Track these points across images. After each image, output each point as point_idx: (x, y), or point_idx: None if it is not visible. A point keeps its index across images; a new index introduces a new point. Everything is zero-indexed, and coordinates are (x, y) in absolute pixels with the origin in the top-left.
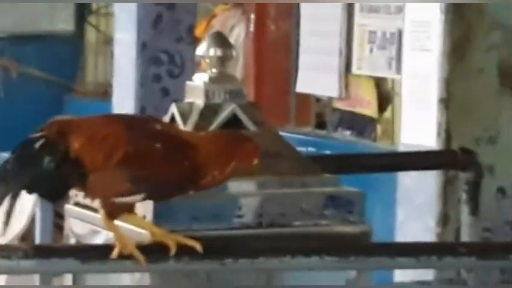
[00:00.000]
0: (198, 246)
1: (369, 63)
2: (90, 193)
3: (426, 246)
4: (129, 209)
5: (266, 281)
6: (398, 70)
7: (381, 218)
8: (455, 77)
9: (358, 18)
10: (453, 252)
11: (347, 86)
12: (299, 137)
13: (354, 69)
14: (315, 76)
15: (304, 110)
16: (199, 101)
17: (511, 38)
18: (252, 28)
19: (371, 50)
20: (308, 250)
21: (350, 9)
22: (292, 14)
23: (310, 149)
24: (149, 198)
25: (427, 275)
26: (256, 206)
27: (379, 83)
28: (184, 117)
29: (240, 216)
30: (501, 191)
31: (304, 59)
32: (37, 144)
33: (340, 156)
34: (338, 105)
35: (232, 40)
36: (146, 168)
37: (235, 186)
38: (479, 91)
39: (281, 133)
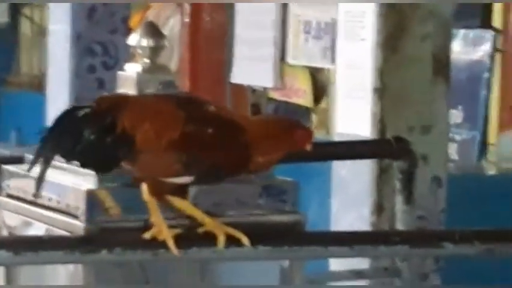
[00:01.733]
0: (244, 239)
1: (304, 53)
2: (139, 170)
3: (360, 235)
4: (178, 192)
5: (200, 270)
6: (333, 60)
7: (317, 207)
8: (389, 66)
9: (293, 9)
10: (386, 241)
11: (282, 76)
12: None
13: (290, 60)
14: (251, 67)
15: (240, 100)
16: (132, 92)
17: (445, 27)
18: (187, 19)
19: (306, 40)
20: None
21: None
22: (227, 5)
23: None
24: (199, 181)
25: (362, 264)
26: (190, 196)
27: (314, 73)
28: None
29: None
30: (436, 179)
31: (240, 50)
32: (81, 113)
33: None
34: (274, 95)
35: (167, 31)
36: (199, 150)
37: None
38: (413, 80)
39: None
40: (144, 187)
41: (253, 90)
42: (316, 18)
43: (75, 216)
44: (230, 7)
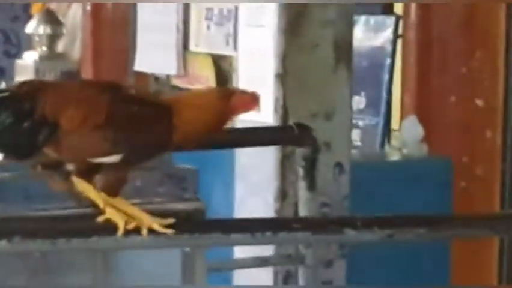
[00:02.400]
0: (144, 231)
1: (206, 40)
2: (65, 153)
3: (261, 222)
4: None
5: (102, 259)
6: (236, 47)
7: (220, 195)
8: (291, 52)
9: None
10: (287, 227)
11: (185, 63)
12: None
13: (192, 47)
14: (153, 54)
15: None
16: None
17: (346, 13)
18: (89, 6)
19: (208, 27)
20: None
21: None
22: None
23: None
24: (128, 159)
25: (267, 251)
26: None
27: (217, 60)
28: None
29: None
30: (338, 166)
31: (142, 37)
32: None
33: None
34: (177, 82)
35: (69, 19)
36: (124, 129)
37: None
38: (315, 66)
39: None
40: (75, 179)
41: (156, 78)
42: (218, 5)
43: None
44: None
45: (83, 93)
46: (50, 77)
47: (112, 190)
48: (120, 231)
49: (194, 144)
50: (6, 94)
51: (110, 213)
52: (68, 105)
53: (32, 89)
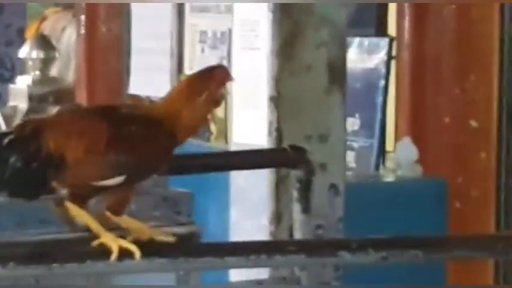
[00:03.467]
0: (137, 253)
1: (200, 63)
2: (69, 182)
3: (256, 245)
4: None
5: (96, 283)
6: (230, 69)
7: (215, 218)
8: (284, 75)
9: (189, 18)
10: (282, 250)
11: None
12: None
13: (186, 70)
14: (148, 77)
15: None
16: (23, 104)
17: (339, 34)
18: (82, 30)
19: (203, 50)
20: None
21: (180, 9)
22: (123, 15)
23: None
24: (131, 179)
25: (262, 273)
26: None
27: None
28: (8, 121)
29: None
30: (333, 187)
31: (136, 61)
32: (5, 141)
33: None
34: None
35: (63, 43)
36: (126, 151)
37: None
38: (308, 89)
39: None
40: (69, 204)
41: (151, 102)
42: (212, 28)
43: None
44: (126, 17)
45: (81, 123)
46: (42, 101)
47: (117, 209)
48: (113, 255)
49: (193, 133)
50: (12, 137)
51: (104, 237)
52: (70, 138)
53: (35, 128)
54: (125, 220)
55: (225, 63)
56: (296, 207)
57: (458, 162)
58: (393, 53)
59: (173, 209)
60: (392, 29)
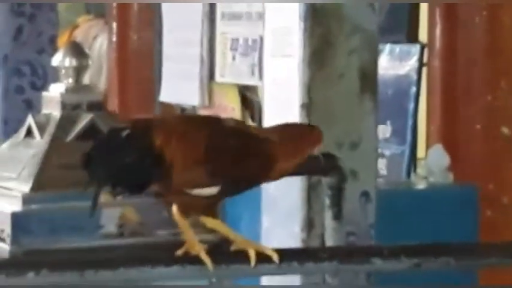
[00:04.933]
0: (275, 256)
1: (232, 70)
2: (167, 186)
3: (288, 252)
4: (207, 211)
5: None
6: (261, 77)
7: (247, 225)
8: (316, 82)
9: (220, 26)
10: (314, 257)
11: (210, 94)
12: None
13: (218, 77)
14: (178, 85)
15: None
16: (56, 112)
17: (371, 41)
18: (114, 38)
19: (234, 58)
20: (168, 259)
21: (211, 17)
22: (154, 23)
23: None
24: (224, 191)
25: (294, 280)
26: (116, 216)
27: (242, 90)
28: (41, 129)
29: (101, 227)
30: (365, 195)
31: (167, 68)
32: (123, 134)
33: None
34: (203, 113)
35: (95, 50)
36: (223, 162)
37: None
38: (340, 96)
39: None
40: (174, 207)
41: (183, 109)
42: (244, 36)
43: (0, 239)
44: (157, 24)
45: (184, 129)
46: (75, 108)
47: (188, 211)
48: (252, 262)
49: (284, 175)
50: (127, 132)
51: (241, 243)
52: (173, 141)
53: (147, 127)
54: (184, 225)
55: (256, 70)
56: (328, 215)
57: (490, 170)
58: (425, 59)
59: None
60: (423, 36)
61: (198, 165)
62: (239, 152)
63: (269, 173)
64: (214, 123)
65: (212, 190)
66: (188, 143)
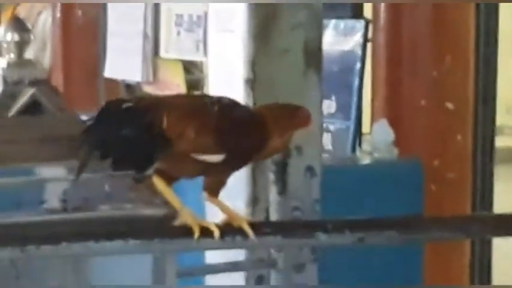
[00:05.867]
0: (216, 232)
1: (177, 46)
2: (174, 151)
3: (232, 227)
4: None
5: (73, 265)
6: (206, 52)
7: (192, 200)
8: (260, 57)
9: (164, 2)
10: (258, 231)
11: (155, 70)
12: None
13: (162, 53)
14: (122, 61)
15: (113, 95)
16: None
17: (315, 17)
18: (58, 14)
19: (179, 33)
20: (111, 234)
21: None
22: None
23: None
24: (229, 161)
25: (238, 255)
26: (60, 191)
27: (187, 65)
28: None
29: (43, 202)
30: (309, 170)
31: (112, 44)
32: (124, 106)
33: None
34: (148, 89)
35: (39, 26)
36: (229, 132)
37: (43, 172)
38: (284, 71)
39: None
40: (155, 178)
41: (128, 85)
42: (188, 11)
43: None
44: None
45: (194, 105)
46: (17, 83)
47: (213, 190)
48: (195, 235)
49: (275, 153)
50: (129, 105)
51: (185, 217)
52: (183, 119)
53: (150, 104)
54: (218, 203)
55: (200, 46)
56: (273, 190)
57: (434, 145)
58: (369, 35)
59: (150, 190)
60: (368, 11)
61: (207, 133)
62: (243, 125)
63: (263, 150)
64: (215, 99)
65: (218, 158)
66: (197, 114)
